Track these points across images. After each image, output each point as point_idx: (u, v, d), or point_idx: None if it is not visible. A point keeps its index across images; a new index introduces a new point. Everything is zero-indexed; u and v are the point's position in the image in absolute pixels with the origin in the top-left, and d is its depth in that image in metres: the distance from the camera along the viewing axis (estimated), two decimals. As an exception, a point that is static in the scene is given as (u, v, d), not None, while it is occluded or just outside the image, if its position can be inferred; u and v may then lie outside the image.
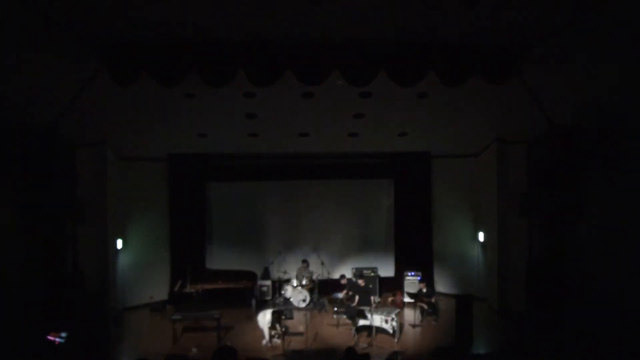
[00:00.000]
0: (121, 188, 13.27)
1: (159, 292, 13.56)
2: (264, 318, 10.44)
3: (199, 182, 14.79)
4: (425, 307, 12.10)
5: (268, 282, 14.26)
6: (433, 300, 12.27)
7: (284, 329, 10.70)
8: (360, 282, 12.41)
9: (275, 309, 10.77)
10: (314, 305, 13.15)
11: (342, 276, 13.57)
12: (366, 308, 10.81)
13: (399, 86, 8.93)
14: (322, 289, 13.70)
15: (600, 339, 8.86)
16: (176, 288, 12.98)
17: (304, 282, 13.64)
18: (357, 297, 11.86)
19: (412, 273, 13.95)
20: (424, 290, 12.37)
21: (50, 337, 8.50)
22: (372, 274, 14.12)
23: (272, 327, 10.43)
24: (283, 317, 10.59)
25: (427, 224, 15.00)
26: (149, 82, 8.58)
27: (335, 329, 11.62)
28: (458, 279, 14.61)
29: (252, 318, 11.70)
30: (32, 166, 9.51)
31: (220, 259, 14.91)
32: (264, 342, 10.40)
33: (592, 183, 9.78)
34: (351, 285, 12.78)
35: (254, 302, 12.96)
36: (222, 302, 12.28)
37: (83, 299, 10.75)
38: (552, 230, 10.80)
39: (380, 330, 10.64)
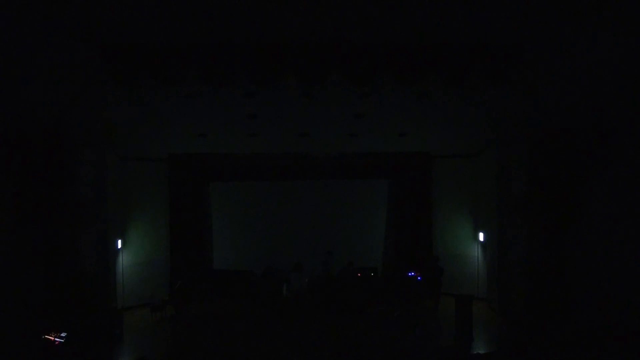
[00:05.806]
0: (121, 188, 13.25)
1: (159, 292, 13.56)
2: None
3: (199, 182, 14.78)
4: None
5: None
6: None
7: None
8: None
9: None
10: None
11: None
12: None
13: (399, 86, 8.93)
14: (321, 289, 13.67)
15: (601, 339, 8.85)
16: (176, 288, 12.97)
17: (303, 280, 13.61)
18: None
19: (412, 273, 13.93)
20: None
21: (50, 337, 8.49)
22: (372, 274, 14.11)
23: None
24: None
25: (427, 223, 15.00)
26: (149, 82, 8.59)
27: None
28: (458, 279, 14.59)
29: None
30: (33, 166, 9.51)
31: (220, 259, 14.90)
32: None
33: (592, 183, 9.78)
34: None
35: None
36: (222, 301, 12.27)
37: (83, 299, 10.74)
38: (552, 230, 10.79)
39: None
